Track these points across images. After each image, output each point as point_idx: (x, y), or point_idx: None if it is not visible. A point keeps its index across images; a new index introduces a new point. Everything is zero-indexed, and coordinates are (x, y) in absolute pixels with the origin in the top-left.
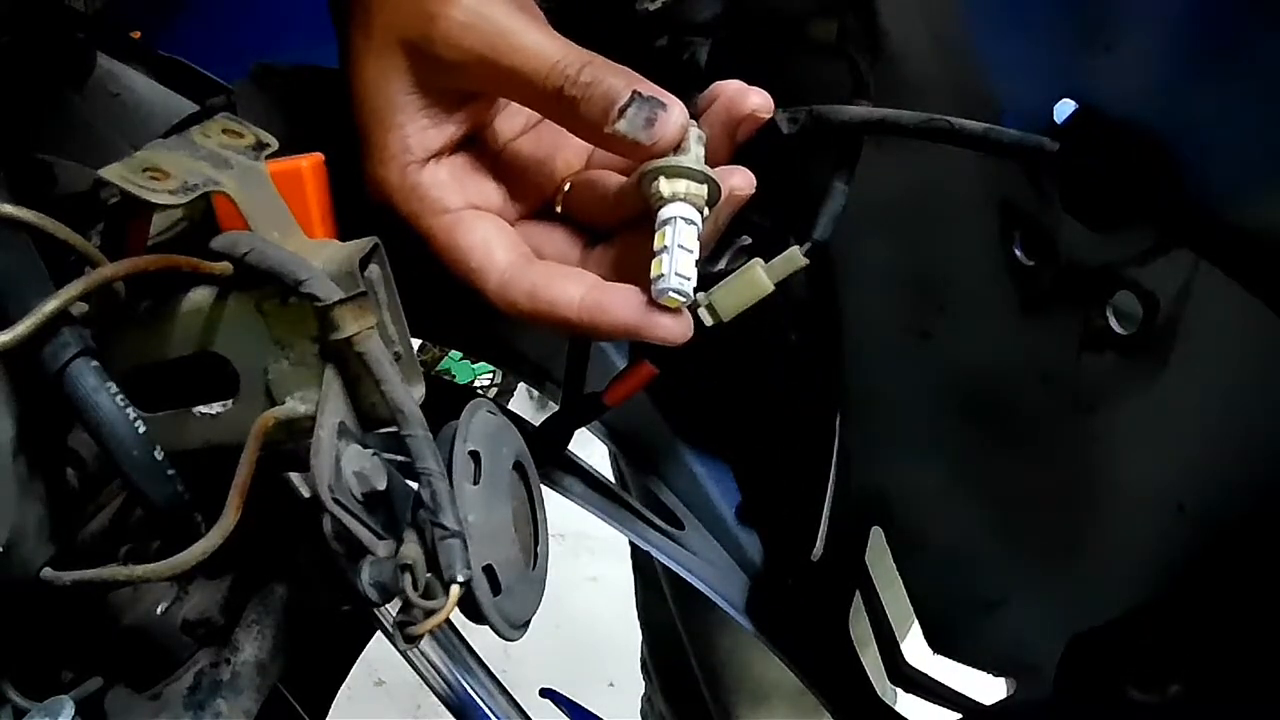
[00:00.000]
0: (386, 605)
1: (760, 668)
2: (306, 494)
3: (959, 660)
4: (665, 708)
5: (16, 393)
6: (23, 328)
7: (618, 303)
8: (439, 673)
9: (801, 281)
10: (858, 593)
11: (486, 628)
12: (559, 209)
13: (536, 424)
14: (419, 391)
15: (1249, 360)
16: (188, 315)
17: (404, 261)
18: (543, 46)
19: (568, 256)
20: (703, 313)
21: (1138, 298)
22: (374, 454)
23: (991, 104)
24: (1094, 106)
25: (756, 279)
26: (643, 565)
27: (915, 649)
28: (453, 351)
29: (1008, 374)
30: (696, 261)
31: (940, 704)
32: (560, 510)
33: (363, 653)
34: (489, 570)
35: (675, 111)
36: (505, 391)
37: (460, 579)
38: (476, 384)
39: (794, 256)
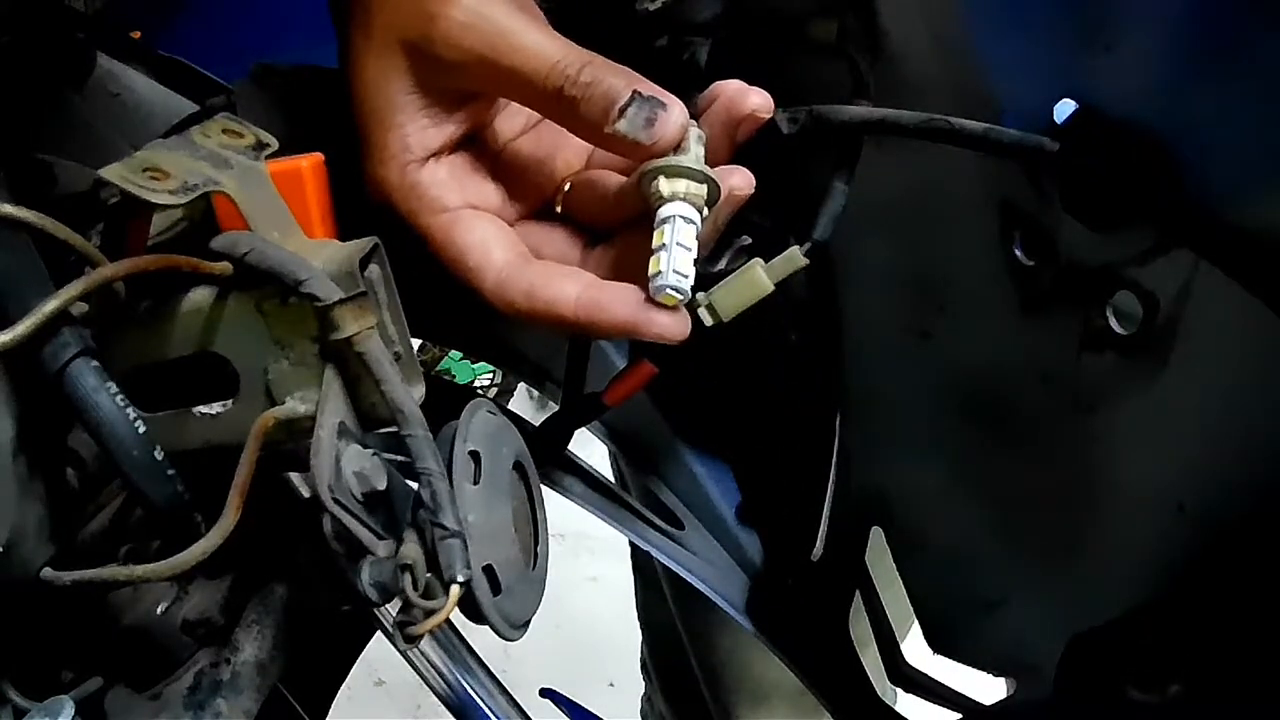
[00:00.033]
0: (386, 605)
1: (760, 668)
2: (306, 494)
3: (959, 660)
4: (665, 708)
5: (16, 393)
6: (23, 328)
7: (615, 300)
8: (439, 673)
9: (801, 281)
10: (858, 593)
11: (486, 628)
12: (559, 209)
13: (536, 424)
14: (419, 391)
15: (1249, 360)
16: (188, 315)
17: (404, 261)
18: (543, 46)
19: (567, 256)
20: (703, 313)
21: (1138, 298)
22: (374, 454)
23: (991, 104)
24: (1094, 106)
25: (756, 279)
26: (643, 565)
27: (915, 649)
28: (453, 351)
29: (1008, 374)
30: (695, 260)
31: (940, 704)
32: (560, 510)
33: (363, 653)
34: (489, 570)
35: (675, 111)
36: (505, 391)
37: (460, 579)
38: (476, 384)
39: (794, 256)
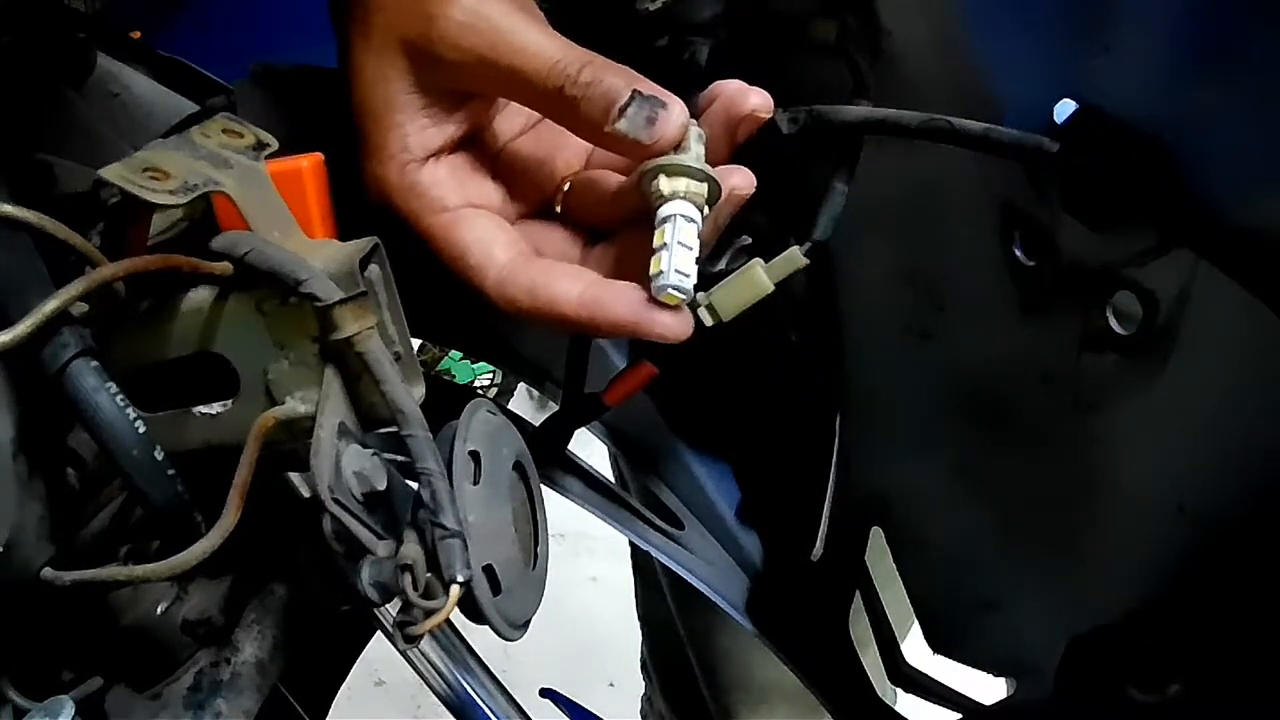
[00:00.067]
0: (386, 605)
1: (760, 667)
2: (306, 494)
3: (959, 660)
4: (665, 707)
5: (16, 393)
6: (23, 328)
7: (617, 299)
8: (439, 673)
9: (801, 281)
10: (858, 593)
11: (486, 628)
12: (558, 209)
13: (536, 424)
14: (419, 391)
15: (1249, 360)
16: (188, 315)
17: (404, 261)
18: (542, 46)
19: (567, 256)
20: (703, 313)
21: (1138, 298)
22: (374, 454)
23: (991, 104)
24: (1094, 106)
25: (756, 279)
26: (643, 565)
27: (915, 649)
28: (453, 351)
29: (1008, 374)
30: (696, 259)
31: (940, 704)
32: (560, 510)
33: (363, 653)
34: (489, 570)
35: (676, 110)
36: (505, 391)
37: (460, 579)
38: (476, 384)
39: (794, 256)
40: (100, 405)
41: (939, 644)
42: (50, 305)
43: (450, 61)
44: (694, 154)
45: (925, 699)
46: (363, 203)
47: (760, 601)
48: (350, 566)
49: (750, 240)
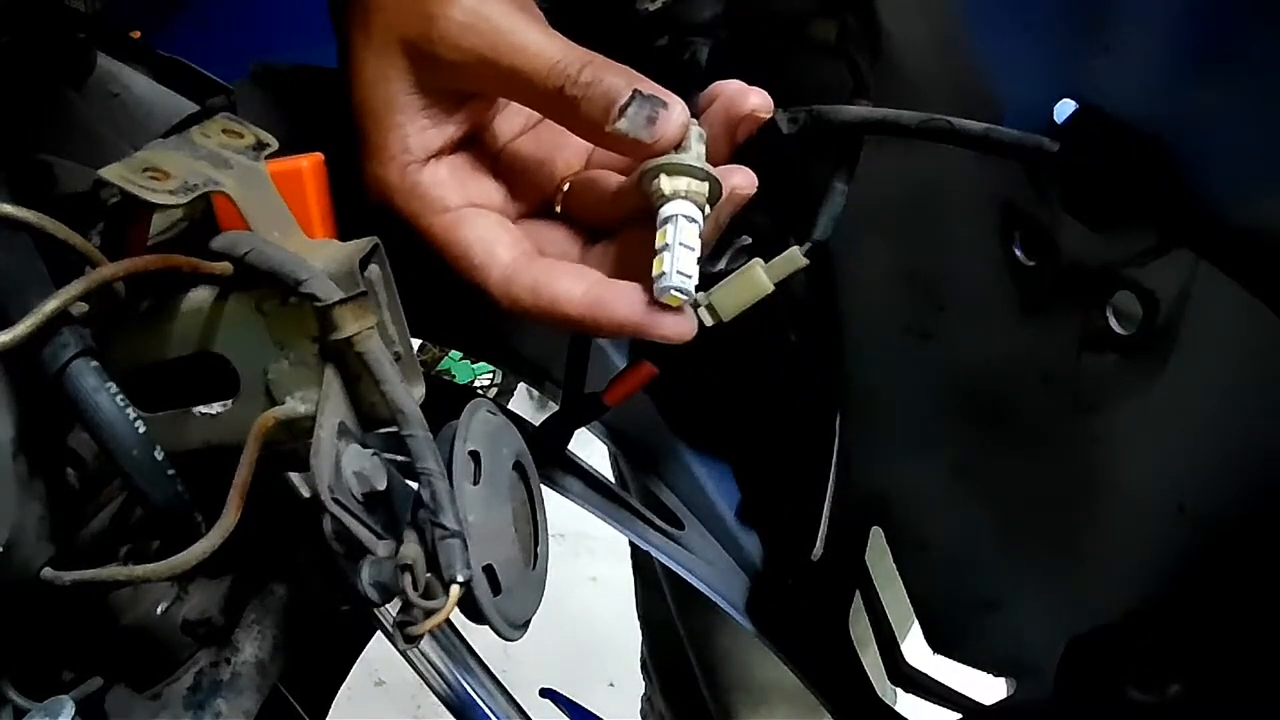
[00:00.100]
0: (386, 605)
1: (760, 667)
2: (306, 494)
3: (959, 660)
4: (665, 707)
5: (16, 393)
6: (23, 328)
7: (620, 300)
8: (439, 673)
9: (801, 281)
10: (858, 593)
11: (486, 628)
12: (559, 209)
13: (536, 424)
14: (419, 391)
15: (1249, 360)
16: (188, 315)
17: (404, 261)
18: (543, 46)
19: (568, 255)
20: (703, 313)
21: (1138, 298)
22: (374, 454)
23: (991, 104)
24: (1094, 106)
25: (756, 279)
26: (643, 565)
27: (915, 649)
28: (453, 351)
29: (1008, 374)
30: (698, 259)
31: (940, 704)
32: (560, 510)
33: (363, 653)
34: (489, 570)
35: (676, 109)
36: (505, 391)
37: (460, 579)
38: (476, 384)
39: (794, 256)
40: (100, 405)
41: (939, 644)
42: (50, 305)
43: (450, 62)
44: (695, 153)
45: (925, 699)
46: (363, 203)
47: (760, 601)
48: (350, 566)
49: (750, 240)
